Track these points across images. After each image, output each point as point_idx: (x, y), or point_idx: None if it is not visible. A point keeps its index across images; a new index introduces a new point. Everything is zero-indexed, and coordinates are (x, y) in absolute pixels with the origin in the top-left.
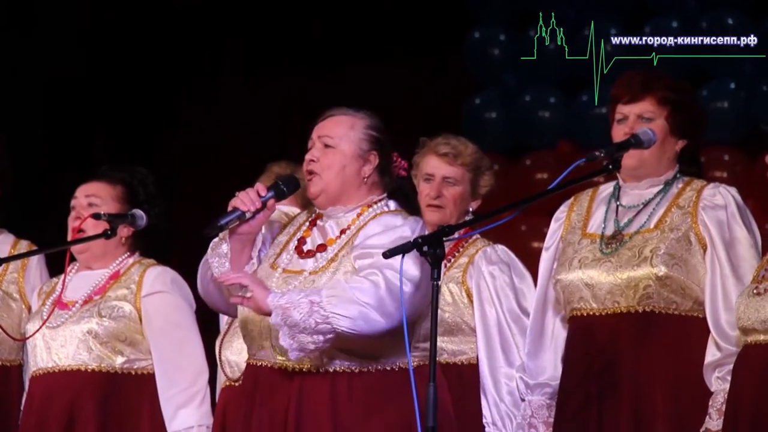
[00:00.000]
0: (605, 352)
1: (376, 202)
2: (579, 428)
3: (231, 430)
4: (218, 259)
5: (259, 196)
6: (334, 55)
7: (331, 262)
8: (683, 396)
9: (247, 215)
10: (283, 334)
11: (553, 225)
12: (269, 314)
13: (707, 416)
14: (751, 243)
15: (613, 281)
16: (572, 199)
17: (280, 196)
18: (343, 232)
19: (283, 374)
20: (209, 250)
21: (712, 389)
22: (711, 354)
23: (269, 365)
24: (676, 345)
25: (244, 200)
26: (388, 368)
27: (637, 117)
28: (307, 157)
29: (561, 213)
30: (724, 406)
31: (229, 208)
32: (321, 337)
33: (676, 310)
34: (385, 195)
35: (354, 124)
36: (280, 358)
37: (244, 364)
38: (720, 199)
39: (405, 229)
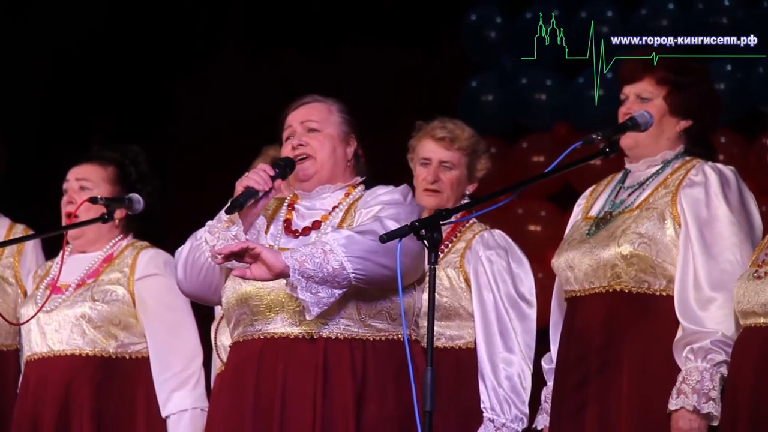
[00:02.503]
0: (583, 333)
1: (359, 184)
2: (558, 411)
3: (232, 403)
4: (226, 241)
5: (269, 176)
6: (331, 38)
7: None
8: (653, 376)
9: (260, 194)
10: (302, 289)
11: (575, 210)
12: (281, 275)
13: (670, 396)
14: (732, 221)
15: (588, 262)
16: (597, 184)
17: (284, 177)
18: (335, 209)
19: (302, 343)
20: (207, 235)
21: (682, 367)
22: (678, 333)
23: (281, 336)
24: (649, 324)
25: (258, 180)
26: (395, 337)
27: (636, 97)
28: (294, 142)
29: (582, 199)
30: (683, 385)
31: (240, 188)
32: (336, 290)
33: (649, 290)
34: (364, 179)
35: (330, 108)
36: (296, 328)
37: None
38: (700, 177)
39: (396, 192)
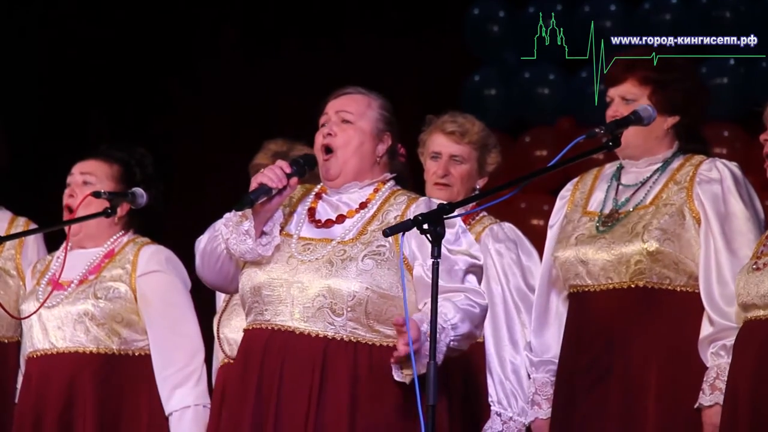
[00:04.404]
0: (599, 328)
1: (389, 180)
2: (569, 405)
3: (237, 389)
4: (238, 236)
5: (285, 174)
6: (332, 32)
7: (360, 234)
8: (677, 371)
9: (274, 191)
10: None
11: (558, 203)
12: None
13: (701, 392)
14: (747, 216)
15: (606, 257)
16: (578, 178)
17: (301, 175)
18: (363, 206)
19: (305, 339)
20: (223, 228)
21: (708, 365)
22: (705, 329)
23: (287, 329)
24: (671, 320)
25: (272, 177)
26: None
27: (621, 99)
28: (324, 131)
29: (566, 191)
30: (717, 381)
31: (255, 184)
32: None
33: (669, 286)
34: (395, 175)
35: (370, 103)
36: (302, 324)
37: None
38: (715, 173)
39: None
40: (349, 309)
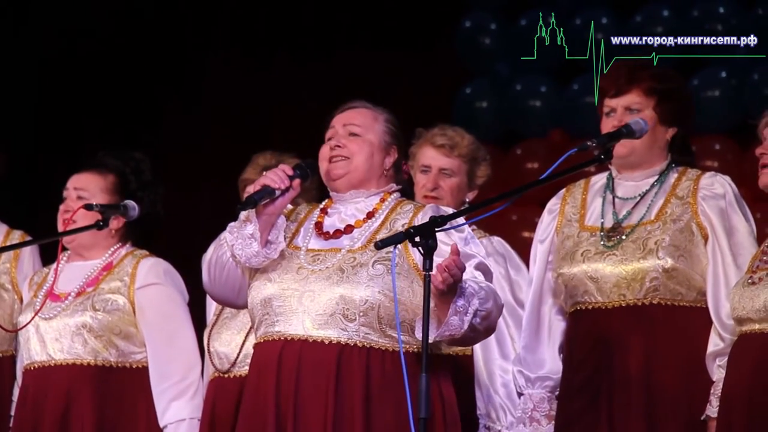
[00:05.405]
0: (614, 346)
1: (395, 191)
2: (589, 424)
3: (254, 404)
4: (243, 240)
5: (287, 176)
6: (324, 44)
7: (369, 242)
8: (694, 387)
9: (277, 193)
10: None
11: (546, 217)
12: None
13: (708, 404)
14: (748, 231)
15: (619, 274)
16: (564, 190)
17: (304, 178)
18: (370, 215)
19: (319, 346)
20: (228, 235)
21: (714, 378)
22: (713, 344)
23: (300, 338)
24: (683, 336)
25: (275, 178)
26: (415, 350)
27: (625, 109)
28: (332, 143)
29: (554, 205)
30: None
31: (257, 187)
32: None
33: (681, 302)
34: (400, 187)
35: (377, 116)
36: (315, 332)
37: (233, 356)
38: (719, 188)
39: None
40: (361, 314)
